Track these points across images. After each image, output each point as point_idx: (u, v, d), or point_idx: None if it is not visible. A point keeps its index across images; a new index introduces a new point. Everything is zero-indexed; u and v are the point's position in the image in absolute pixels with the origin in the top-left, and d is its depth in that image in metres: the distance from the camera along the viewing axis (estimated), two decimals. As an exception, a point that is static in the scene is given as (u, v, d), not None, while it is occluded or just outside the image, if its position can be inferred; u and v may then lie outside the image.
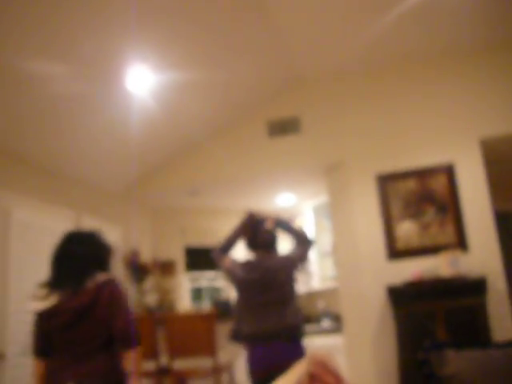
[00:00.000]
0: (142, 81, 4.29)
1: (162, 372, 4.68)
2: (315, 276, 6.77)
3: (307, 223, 7.12)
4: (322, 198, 6.60)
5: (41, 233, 4.45)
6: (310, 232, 7.03)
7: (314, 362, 1.31)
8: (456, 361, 1.29)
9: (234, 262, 3.43)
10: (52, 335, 2.60)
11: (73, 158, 4.90)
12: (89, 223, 5.18)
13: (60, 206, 4.79)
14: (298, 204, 7.29)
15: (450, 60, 5.17)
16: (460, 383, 1.24)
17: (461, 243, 4.75)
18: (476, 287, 4.33)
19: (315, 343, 5.47)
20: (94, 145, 4.87)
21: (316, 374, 1.15)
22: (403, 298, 4.54)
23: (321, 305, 6.57)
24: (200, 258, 7.30)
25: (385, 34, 4.69)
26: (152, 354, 4.66)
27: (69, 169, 4.99)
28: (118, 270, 5.55)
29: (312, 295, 6.78)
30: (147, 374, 4.73)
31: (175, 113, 5.01)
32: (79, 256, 2.79)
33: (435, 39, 4.91)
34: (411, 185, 5.06)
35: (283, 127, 5.64)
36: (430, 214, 4.94)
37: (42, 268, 4.37)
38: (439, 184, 4.97)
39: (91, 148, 4.90)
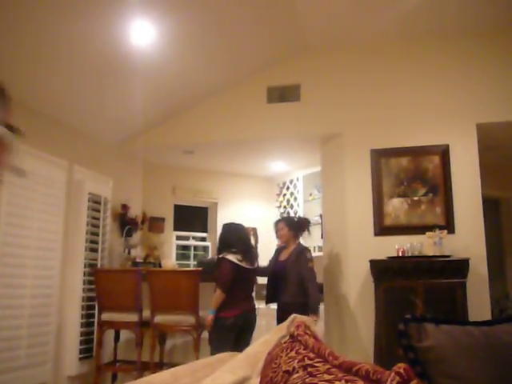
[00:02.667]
0: (145, 34, 4.24)
1: (144, 325, 4.77)
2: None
3: (297, 192, 7.16)
4: (313, 169, 6.61)
5: (32, 180, 4.44)
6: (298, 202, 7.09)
7: (296, 324, 1.36)
8: (435, 334, 1.34)
9: None
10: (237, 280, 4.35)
11: (69, 106, 4.86)
12: (81, 173, 5.19)
13: (53, 154, 4.77)
14: (289, 172, 7.32)
15: (455, 42, 5.14)
16: (437, 355, 1.29)
17: (448, 225, 4.81)
18: (458, 268, 4.41)
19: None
20: (92, 95, 4.83)
21: (297, 335, 1.20)
22: (386, 272, 4.62)
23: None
24: (189, 217, 7.35)
25: (392, 10, 4.66)
26: (136, 307, 4.74)
27: (64, 117, 4.95)
28: (107, 223, 5.58)
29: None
30: (130, 326, 4.81)
31: (177, 69, 4.97)
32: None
33: (442, 19, 4.88)
34: (405, 162, 5.09)
35: (283, 94, 5.62)
36: (421, 193, 4.99)
37: (30, 213, 4.40)
38: (433, 164, 5.01)
39: (89, 98, 4.86)
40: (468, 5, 4.59)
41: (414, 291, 4.40)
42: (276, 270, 4.87)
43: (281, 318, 4.54)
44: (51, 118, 4.82)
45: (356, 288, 4.95)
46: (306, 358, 0.97)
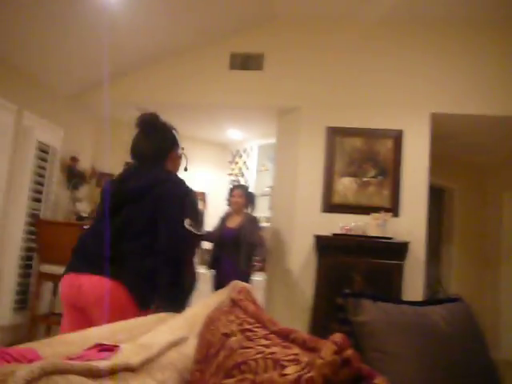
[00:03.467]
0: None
1: (84, 280, 4.72)
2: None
3: (250, 161, 7.16)
4: (269, 140, 6.62)
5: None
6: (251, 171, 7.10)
7: (236, 290, 1.37)
8: (371, 310, 1.39)
9: None
10: None
11: (24, 48, 4.65)
12: (30, 120, 5.01)
13: (1, 97, 4.57)
14: (244, 140, 7.30)
15: (419, 30, 5.20)
16: (370, 330, 1.34)
17: (393, 208, 4.95)
18: (398, 250, 4.57)
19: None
20: (49, 39, 4.64)
21: (237, 300, 1.21)
22: (329, 248, 4.73)
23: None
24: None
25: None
26: (76, 261, 4.67)
27: (20, 61, 4.75)
28: (54, 174, 5.44)
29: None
30: (68, 280, 4.75)
31: (140, 24, 4.84)
32: None
33: (409, 4, 4.92)
34: (358, 143, 5.17)
35: (246, 62, 5.56)
36: (371, 174, 5.08)
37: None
38: (385, 148, 5.10)
39: (46, 41, 4.67)
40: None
41: (354, 269, 4.52)
42: (225, 237, 4.91)
43: (221, 284, 4.54)
44: (5, 60, 4.61)
45: (299, 261, 5.04)
46: (244, 323, 0.98)
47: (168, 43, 5.40)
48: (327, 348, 0.63)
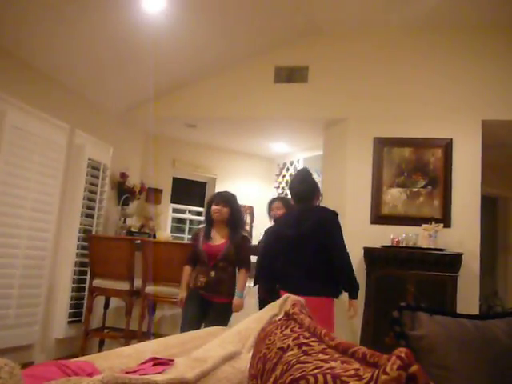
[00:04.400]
0: (155, 1, 4.18)
1: (135, 294, 4.79)
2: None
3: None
4: (315, 152, 6.59)
5: (32, 140, 4.42)
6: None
7: (290, 304, 1.35)
8: (428, 324, 1.34)
9: None
10: None
11: (75, 71, 4.81)
12: (82, 138, 5.16)
13: (55, 116, 4.73)
14: (290, 153, 7.29)
15: (467, 38, 5.11)
16: (428, 344, 1.30)
17: (444, 218, 4.82)
18: (451, 262, 4.43)
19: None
20: (99, 60, 4.78)
21: (292, 314, 1.20)
22: (379, 260, 4.64)
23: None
24: (187, 191, 7.34)
25: (406, 3, 4.62)
26: (128, 275, 4.75)
27: (69, 80, 4.90)
28: (105, 190, 5.57)
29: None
30: (120, 294, 4.83)
31: (185, 41, 4.92)
32: None
33: (455, 15, 4.84)
34: (407, 153, 5.08)
35: (290, 75, 5.58)
36: (420, 184, 4.98)
37: (28, 174, 4.38)
38: (434, 157, 4.99)
39: (96, 63, 4.81)
40: (482, 1, 4.55)
41: (405, 282, 4.42)
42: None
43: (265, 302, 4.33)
44: (56, 81, 4.78)
45: (348, 274, 4.95)
46: (301, 337, 0.96)
47: (213, 59, 5.47)
48: (391, 363, 0.61)
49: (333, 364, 0.79)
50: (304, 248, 3.45)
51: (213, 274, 3.92)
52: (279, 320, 1.17)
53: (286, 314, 1.16)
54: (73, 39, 4.36)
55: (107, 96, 5.48)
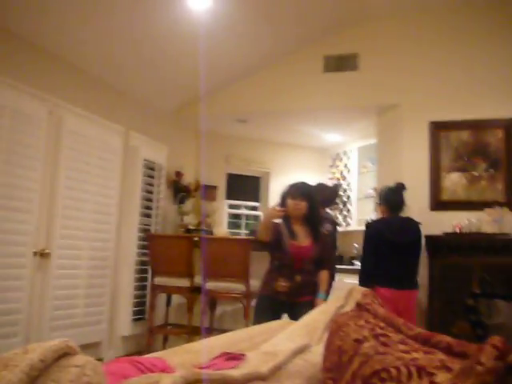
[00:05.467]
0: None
1: (196, 290, 4.84)
2: (354, 217, 6.77)
3: (351, 164, 7.04)
4: (368, 141, 6.47)
5: (90, 144, 4.54)
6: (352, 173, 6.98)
7: (361, 294, 1.32)
8: (507, 311, 1.28)
9: None
10: None
11: (125, 72, 4.90)
12: (137, 140, 5.26)
13: (110, 120, 4.84)
14: (343, 143, 7.19)
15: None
16: (509, 333, 1.23)
17: (509, 202, 4.63)
18: (518, 247, 4.26)
19: (347, 282, 5.54)
20: (146, 60, 4.85)
21: (365, 304, 1.17)
22: (441, 248, 4.51)
23: (356, 246, 6.60)
24: (241, 186, 7.36)
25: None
26: (188, 272, 4.81)
27: (121, 83, 5.00)
28: (161, 189, 5.66)
29: (349, 235, 6.80)
30: (181, 291, 4.90)
31: (233, 36, 4.91)
32: None
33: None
34: (465, 136, 4.91)
35: (340, 63, 5.49)
36: (481, 168, 4.81)
37: (87, 177, 4.51)
38: (495, 138, 4.81)
39: (143, 63, 4.88)
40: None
41: (471, 269, 4.28)
42: None
43: None
44: (109, 85, 4.89)
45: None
46: (376, 327, 0.93)
47: (260, 53, 5.45)
48: (486, 353, 0.57)
49: (415, 355, 0.76)
50: (408, 253, 4.07)
51: (299, 278, 3.49)
52: (351, 311, 1.14)
53: (358, 305, 1.13)
54: (121, 41, 4.43)
55: (158, 96, 5.56)
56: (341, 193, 6.90)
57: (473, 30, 5.03)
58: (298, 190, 3.59)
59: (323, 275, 3.62)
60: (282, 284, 3.46)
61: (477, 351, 0.60)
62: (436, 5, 5.03)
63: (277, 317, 3.36)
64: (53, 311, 4.07)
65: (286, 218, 3.56)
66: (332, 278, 4.12)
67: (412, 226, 4.18)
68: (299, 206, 3.54)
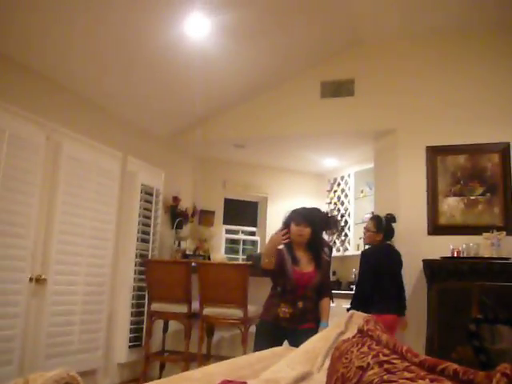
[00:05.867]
0: (199, 26, 4.23)
1: (193, 316, 4.80)
2: (351, 242, 6.75)
3: (348, 189, 7.05)
4: (365, 165, 6.50)
5: (88, 169, 4.54)
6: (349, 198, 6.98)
7: (363, 320, 1.31)
8: (509, 336, 1.27)
9: None
10: None
11: (123, 99, 4.93)
12: (134, 165, 5.27)
13: (107, 145, 4.85)
14: (340, 168, 7.22)
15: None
16: (512, 359, 1.22)
17: (507, 225, 4.63)
18: (517, 271, 4.24)
19: (344, 307, 5.49)
20: (145, 87, 4.88)
21: (367, 330, 1.15)
22: (439, 272, 4.49)
23: (355, 271, 6.57)
24: (239, 212, 7.36)
25: (451, 4, 4.54)
26: (185, 298, 4.77)
27: (119, 109, 5.03)
28: (159, 214, 5.65)
29: (346, 260, 6.78)
30: (178, 317, 4.85)
31: (230, 62, 4.96)
32: None
33: (504, 15, 4.70)
34: (462, 160, 4.94)
35: (336, 89, 5.54)
36: (478, 192, 4.82)
37: (85, 203, 4.49)
38: (491, 163, 4.83)
39: (143, 90, 4.92)
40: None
41: (469, 293, 4.25)
42: None
43: None
44: (106, 110, 4.91)
45: (408, 287, 4.81)
46: (380, 354, 0.92)
47: (258, 79, 5.50)
48: (497, 381, 0.56)
49: (421, 382, 0.74)
50: (395, 278, 4.32)
51: (301, 304, 3.44)
52: (353, 337, 1.12)
53: (360, 331, 1.12)
54: (118, 67, 4.47)
55: (155, 122, 5.59)
56: (338, 219, 6.88)
57: (469, 56, 5.09)
58: (302, 216, 3.56)
59: (325, 303, 3.59)
60: (285, 310, 3.42)
61: (485, 379, 0.59)
62: (430, 31, 5.10)
63: (278, 343, 3.26)
64: (48, 338, 4.02)
65: (289, 244, 3.52)
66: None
67: (395, 253, 4.43)
68: (303, 232, 3.51)
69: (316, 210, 4.56)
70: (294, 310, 3.42)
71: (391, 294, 4.20)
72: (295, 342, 3.20)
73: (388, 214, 4.54)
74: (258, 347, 3.35)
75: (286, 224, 3.57)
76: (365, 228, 4.65)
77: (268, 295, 3.60)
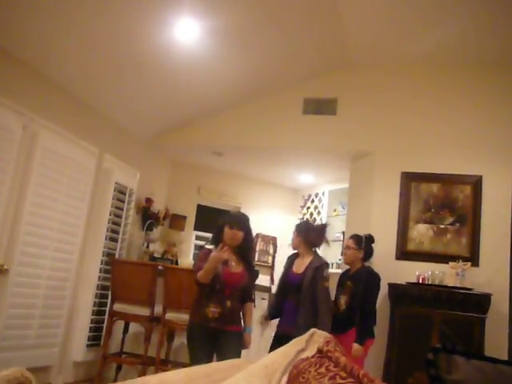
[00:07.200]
0: (188, 31, 4.23)
1: (155, 320, 4.76)
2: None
3: (321, 206, 7.10)
4: (341, 185, 6.55)
5: (62, 163, 4.48)
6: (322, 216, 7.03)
7: (322, 340, 1.32)
8: (465, 368, 1.28)
9: None
10: None
11: (105, 96, 4.89)
12: (110, 162, 5.22)
13: (85, 140, 4.79)
14: (315, 185, 7.27)
15: (497, 73, 5.07)
16: (466, 391, 1.24)
17: (472, 257, 4.72)
18: (479, 303, 4.32)
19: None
20: (128, 86, 4.85)
21: (327, 351, 1.16)
22: (404, 298, 4.55)
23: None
24: (211, 219, 7.32)
25: (435, 36, 4.67)
26: (148, 301, 4.73)
27: (100, 105, 4.98)
28: (130, 214, 5.60)
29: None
30: (140, 319, 4.80)
31: (215, 69, 4.96)
32: None
33: (483, 50, 4.84)
34: (435, 189, 5.02)
35: (319, 107, 5.59)
36: (448, 221, 4.90)
37: (56, 196, 4.43)
38: (463, 194, 4.92)
39: (125, 90, 4.89)
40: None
41: (431, 320, 4.31)
42: (288, 283, 4.29)
43: (279, 337, 4.00)
44: (87, 105, 4.86)
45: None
46: (337, 377, 0.93)
47: (242, 89, 5.52)
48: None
49: (374, 408, 0.75)
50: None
51: (229, 303, 3.49)
52: (312, 357, 1.13)
53: (319, 351, 1.12)
54: (104, 64, 4.44)
55: (136, 122, 5.55)
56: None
57: (449, 88, 5.21)
58: (237, 220, 3.67)
59: (248, 307, 3.71)
60: (214, 310, 3.45)
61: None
62: (417, 58, 5.19)
63: (209, 345, 3.43)
64: (4, 330, 3.92)
65: (219, 245, 3.56)
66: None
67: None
68: (237, 235, 3.59)
69: (309, 225, 4.58)
70: (222, 309, 3.46)
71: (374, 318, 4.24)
72: (224, 345, 3.44)
73: (367, 234, 4.52)
74: (192, 351, 3.50)
75: (220, 226, 3.66)
76: (345, 246, 4.59)
77: (194, 299, 3.61)
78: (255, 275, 3.97)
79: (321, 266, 4.17)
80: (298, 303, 4.08)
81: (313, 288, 4.08)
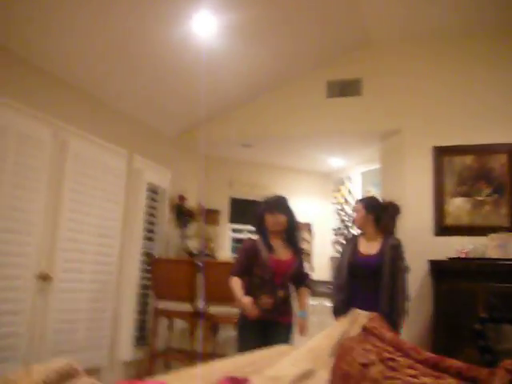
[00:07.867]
0: (207, 25, 4.23)
1: (198, 315, 4.80)
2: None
3: (354, 188, 7.04)
4: (372, 165, 6.48)
5: (93, 167, 4.55)
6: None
7: (367, 318, 1.31)
8: (515, 337, 1.26)
9: None
10: None
11: (131, 97, 4.93)
12: (140, 163, 5.27)
13: (114, 143, 4.86)
14: (347, 168, 7.21)
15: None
16: (518, 359, 1.21)
17: (514, 227, 4.60)
18: (524, 273, 4.22)
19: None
20: (153, 86, 4.88)
21: (371, 328, 1.15)
22: (446, 273, 4.47)
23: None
24: (244, 211, 7.34)
25: (459, 4, 4.52)
26: (190, 297, 4.77)
27: (125, 107, 5.03)
28: (165, 213, 5.65)
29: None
30: (183, 316, 4.86)
31: (237, 62, 4.95)
32: None
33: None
34: (469, 161, 4.91)
35: (343, 89, 5.52)
36: (485, 193, 4.79)
37: (91, 200, 4.50)
38: (499, 163, 4.80)
39: (150, 89, 4.91)
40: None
41: (476, 294, 4.23)
42: (358, 267, 3.68)
43: None
44: (112, 108, 4.91)
45: (414, 288, 4.79)
46: (383, 352, 0.92)
47: (265, 78, 5.49)
48: (499, 377, 0.55)
49: (424, 379, 0.74)
50: None
51: (281, 293, 3.37)
52: (358, 335, 1.12)
53: (364, 329, 1.11)
54: (124, 64, 4.47)
55: (162, 120, 5.59)
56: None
57: (476, 55, 5.06)
58: (276, 204, 3.51)
59: (304, 292, 3.59)
60: (265, 300, 3.33)
61: (489, 375, 0.59)
62: (439, 30, 5.07)
63: (261, 337, 3.29)
64: (53, 335, 4.02)
65: (264, 232, 3.48)
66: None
67: None
68: (280, 219, 3.45)
69: (374, 200, 4.08)
70: (275, 299, 3.35)
71: None
72: (275, 336, 3.27)
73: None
74: (243, 343, 3.35)
75: (261, 214, 3.51)
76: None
77: (245, 290, 3.41)
78: (303, 260, 3.72)
79: (399, 244, 3.71)
80: (374, 288, 3.55)
81: (394, 269, 3.59)
